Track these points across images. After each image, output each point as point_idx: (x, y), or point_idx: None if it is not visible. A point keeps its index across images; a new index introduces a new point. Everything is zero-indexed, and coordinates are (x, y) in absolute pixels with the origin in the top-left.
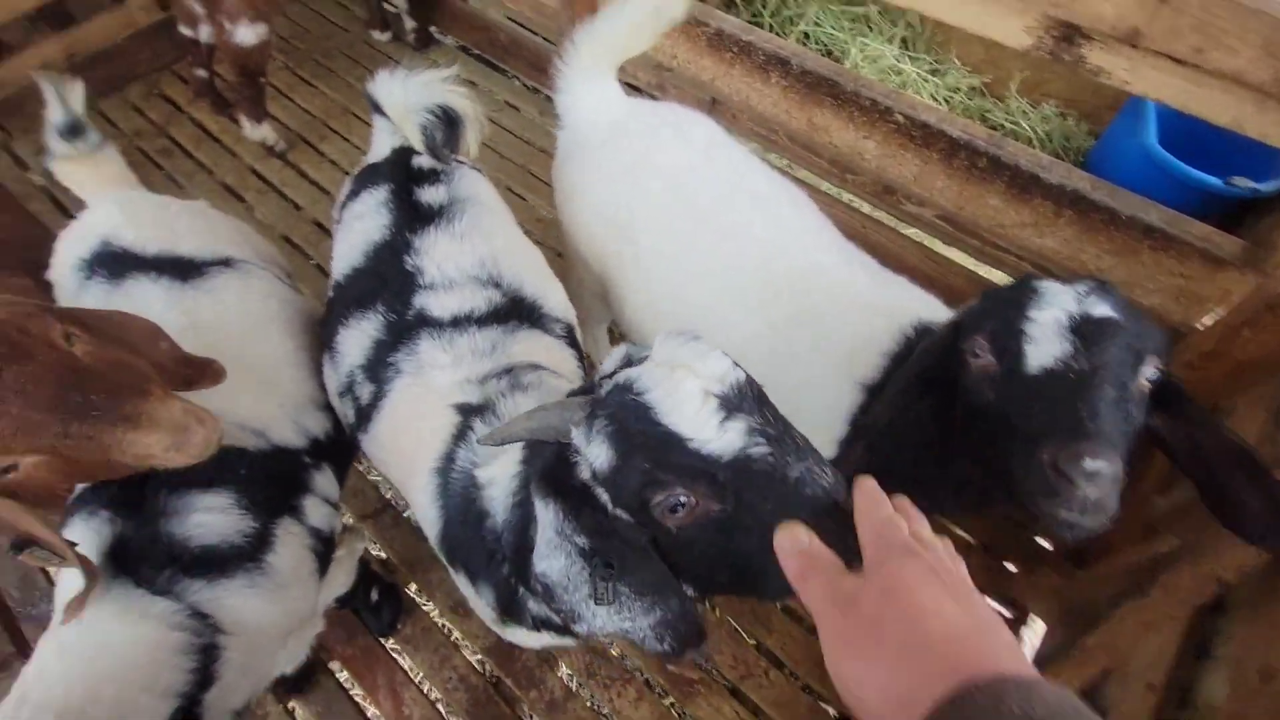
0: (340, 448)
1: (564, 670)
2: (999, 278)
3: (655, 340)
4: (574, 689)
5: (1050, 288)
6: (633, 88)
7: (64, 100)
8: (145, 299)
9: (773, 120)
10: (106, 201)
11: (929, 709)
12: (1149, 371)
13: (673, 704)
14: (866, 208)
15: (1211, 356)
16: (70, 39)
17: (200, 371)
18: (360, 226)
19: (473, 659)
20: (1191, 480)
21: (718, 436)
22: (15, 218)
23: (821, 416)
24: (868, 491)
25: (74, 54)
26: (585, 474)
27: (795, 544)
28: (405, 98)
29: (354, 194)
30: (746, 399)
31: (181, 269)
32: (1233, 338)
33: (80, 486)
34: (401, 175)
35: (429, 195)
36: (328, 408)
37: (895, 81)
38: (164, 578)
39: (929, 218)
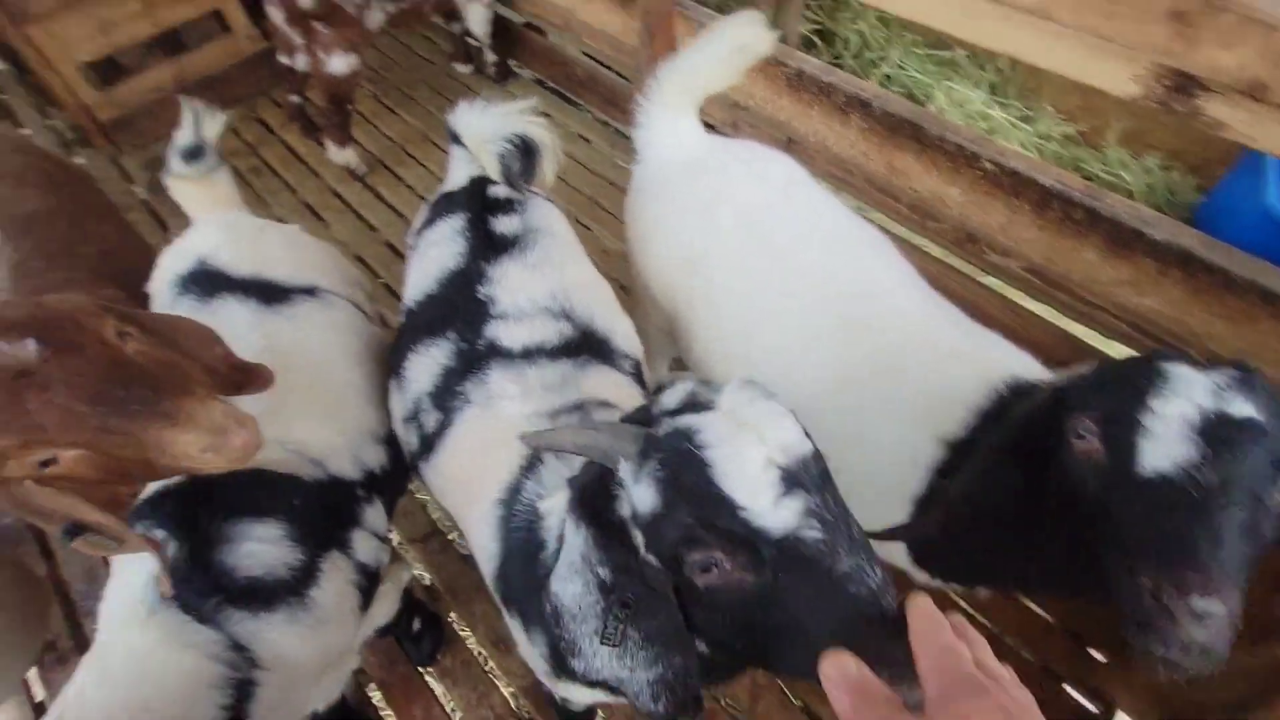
0: (393, 481)
1: None
2: (1086, 334)
3: (726, 387)
4: None
5: (1181, 373)
6: (707, 125)
7: (199, 126)
8: (230, 319)
9: (850, 162)
10: (210, 222)
11: None
12: None
13: None
14: (939, 251)
15: None
16: (181, 65)
17: (250, 376)
18: (435, 253)
19: (507, 692)
20: None
21: (772, 511)
22: (117, 230)
23: (895, 472)
24: (925, 613)
25: (183, 78)
26: (625, 511)
27: (844, 675)
28: (484, 128)
29: (430, 221)
30: (810, 476)
31: (268, 293)
32: None
33: (143, 495)
34: (477, 204)
35: (504, 225)
36: (385, 441)
37: (982, 128)
38: (209, 606)
39: (1015, 269)
